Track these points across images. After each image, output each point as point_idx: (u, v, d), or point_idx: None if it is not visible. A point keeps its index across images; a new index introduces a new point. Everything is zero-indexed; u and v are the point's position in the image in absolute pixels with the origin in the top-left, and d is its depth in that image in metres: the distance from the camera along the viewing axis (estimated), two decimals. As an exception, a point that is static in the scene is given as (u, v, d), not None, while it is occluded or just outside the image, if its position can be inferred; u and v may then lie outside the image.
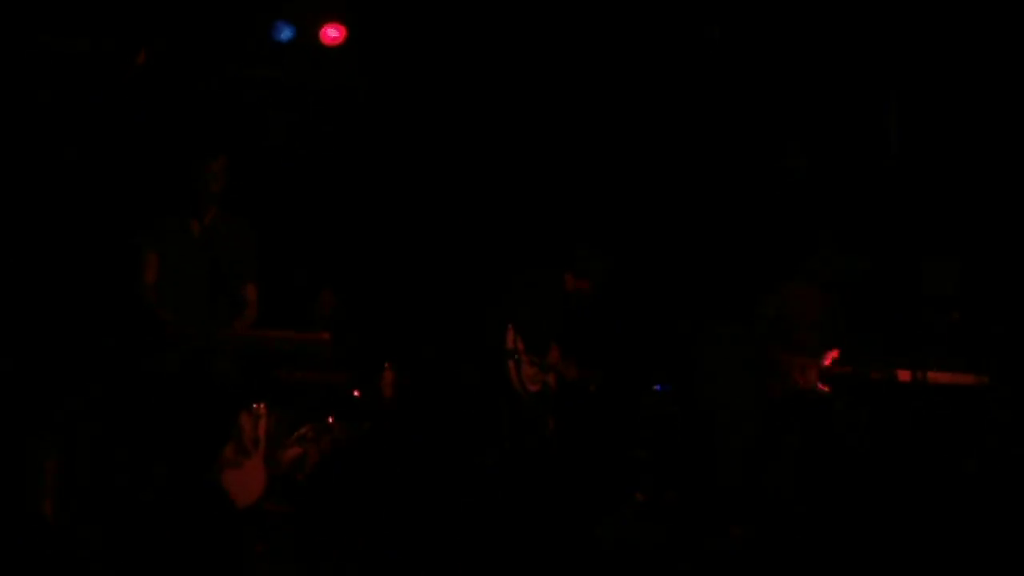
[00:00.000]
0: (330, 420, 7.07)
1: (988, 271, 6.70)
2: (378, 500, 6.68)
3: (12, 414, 5.81)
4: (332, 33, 7.57)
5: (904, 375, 6.16)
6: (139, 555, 5.31)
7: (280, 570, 5.84)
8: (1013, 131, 6.82)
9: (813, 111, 7.48)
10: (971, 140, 6.98)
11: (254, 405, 6.72)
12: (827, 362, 6.53)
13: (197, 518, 5.59)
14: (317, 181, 8.03)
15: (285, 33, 7.47)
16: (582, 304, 7.04)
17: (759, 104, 7.61)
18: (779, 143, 7.63)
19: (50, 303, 6.20)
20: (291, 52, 7.54)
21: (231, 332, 5.48)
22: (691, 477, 7.19)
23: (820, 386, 6.62)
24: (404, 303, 7.97)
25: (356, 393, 7.26)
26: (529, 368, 6.83)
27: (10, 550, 5.29)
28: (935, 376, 6.10)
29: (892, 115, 6.63)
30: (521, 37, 7.66)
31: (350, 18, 7.58)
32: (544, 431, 6.97)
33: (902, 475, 6.16)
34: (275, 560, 5.93)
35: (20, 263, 6.40)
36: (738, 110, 7.69)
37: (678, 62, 7.67)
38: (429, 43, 7.82)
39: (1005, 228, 6.77)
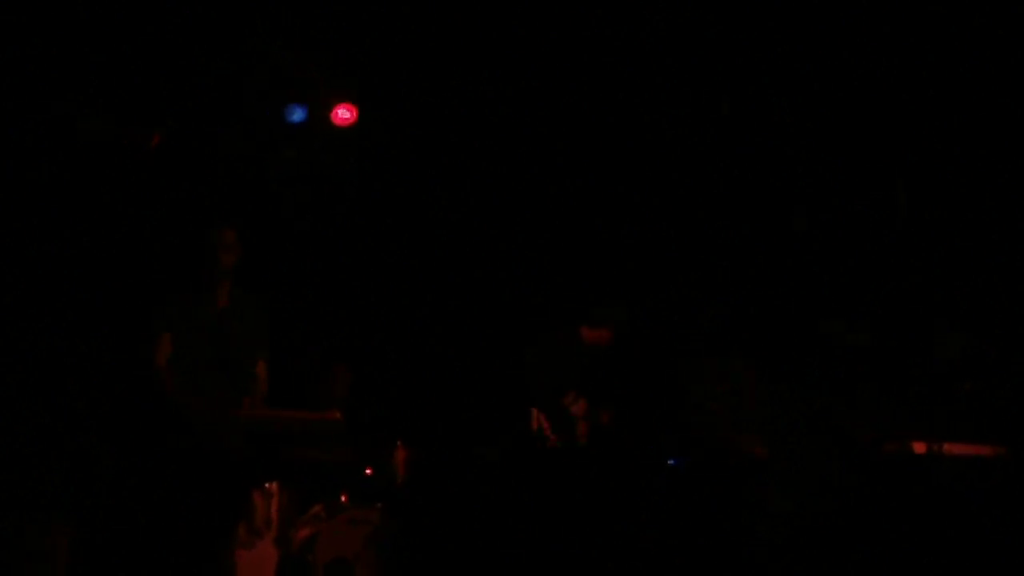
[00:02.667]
0: (343, 499, 7.02)
1: (998, 339, 6.67)
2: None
3: (25, 494, 5.79)
4: (344, 114, 7.69)
5: (920, 447, 6.10)
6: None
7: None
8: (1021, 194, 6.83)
9: (821, 178, 7.52)
10: (978, 207, 6.98)
11: (266, 484, 6.68)
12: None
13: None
14: (330, 258, 8.07)
15: (297, 114, 7.58)
16: (604, 355, 6.93)
17: (766, 168, 7.66)
18: (786, 207, 7.66)
19: (65, 382, 6.21)
20: (304, 132, 7.65)
21: (244, 411, 5.48)
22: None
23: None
24: (417, 379, 7.96)
25: (368, 471, 7.21)
26: (556, 445, 6.77)
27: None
28: (951, 447, 6.04)
29: (901, 181, 6.66)
30: (526, 108, 7.76)
31: (361, 100, 7.70)
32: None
33: (907, 545, 6.09)
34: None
35: (35, 340, 6.43)
36: (746, 173, 7.74)
37: (687, 129, 7.75)
38: (437, 122, 7.92)
39: (1015, 294, 6.75)
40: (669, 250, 8.04)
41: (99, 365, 6.16)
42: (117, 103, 6.94)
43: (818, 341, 6.69)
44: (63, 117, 6.76)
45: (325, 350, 7.62)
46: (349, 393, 7.39)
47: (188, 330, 5.51)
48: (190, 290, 5.62)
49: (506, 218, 8.14)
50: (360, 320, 8.10)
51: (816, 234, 7.41)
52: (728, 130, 7.69)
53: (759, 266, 7.56)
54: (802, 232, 7.39)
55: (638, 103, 7.67)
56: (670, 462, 7.69)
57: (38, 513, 5.81)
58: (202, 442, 5.41)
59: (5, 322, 6.41)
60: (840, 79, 7.26)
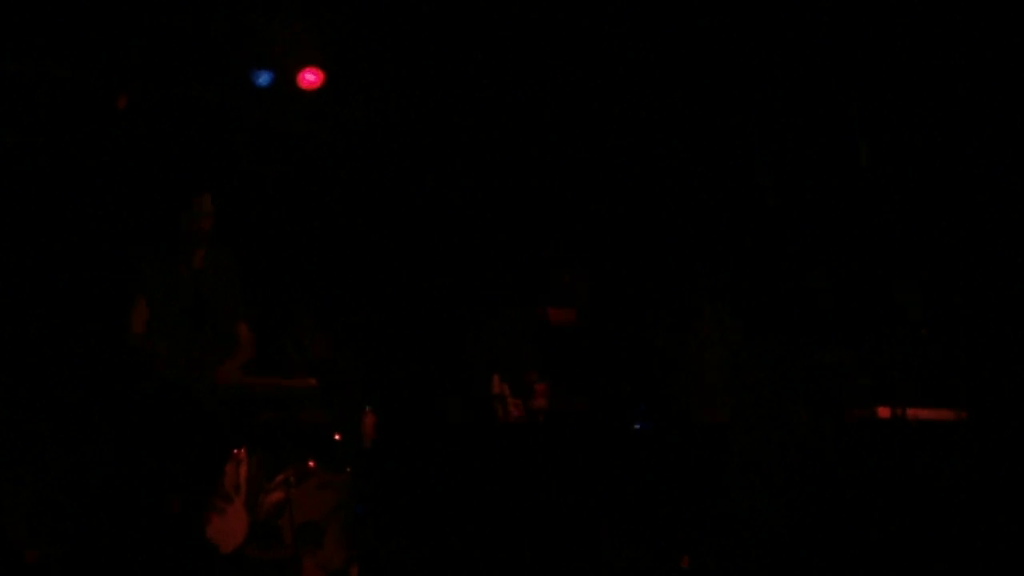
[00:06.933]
0: (311, 464, 7.02)
1: (957, 294, 6.76)
2: (363, 542, 6.67)
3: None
4: (310, 77, 7.66)
5: (884, 412, 6.21)
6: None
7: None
8: (986, 148, 6.89)
9: (782, 130, 7.56)
10: (941, 159, 7.04)
11: (235, 450, 6.67)
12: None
13: (181, 565, 5.56)
14: (297, 221, 8.04)
15: (264, 78, 7.54)
16: (569, 334, 6.97)
17: (729, 122, 7.69)
18: (749, 161, 7.68)
19: (38, 344, 6.16)
20: (271, 96, 7.61)
21: (219, 377, 5.48)
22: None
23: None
24: (385, 345, 7.96)
25: (337, 436, 7.21)
26: (515, 410, 6.80)
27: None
28: (915, 412, 6.15)
29: (861, 134, 6.71)
30: (490, 71, 7.75)
31: (328, 63, 7.67)
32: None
33: (879, 510, 6.19)
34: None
35: (7, 302, 6.36)
36: (708, 128, 7.77)
37: (647, 83, 7.76)
38: (404, 87, 7.90)
39: (974, 250, 6.82)
40: (635, 215, 8.07)
41: (75, 329, 6.12)
42: (85, 63, 6.86)
43: (787, 295, 6.76)
44: (31, 74, 6.67)
45: (296, 316, 7.59)
46: (322, 357, 7.38)
47: (165, 294, 5.50)
48: (165, 254, 5.59)
49: (476, 181, 8.13)
50: (330, 286, 8.08)
51: (779, 189, 7.46)
52: (692, 88, 7.70)
53: (724, 225, 7.60)
54: (766, 187, 7.43)
55: (602, 67, 7.67)
56: (636, 427, 7.76)
57: (9, 474, 5.79)
58: (180, 406, 5.40)
59: None
60: (803, 37, 7.29)
